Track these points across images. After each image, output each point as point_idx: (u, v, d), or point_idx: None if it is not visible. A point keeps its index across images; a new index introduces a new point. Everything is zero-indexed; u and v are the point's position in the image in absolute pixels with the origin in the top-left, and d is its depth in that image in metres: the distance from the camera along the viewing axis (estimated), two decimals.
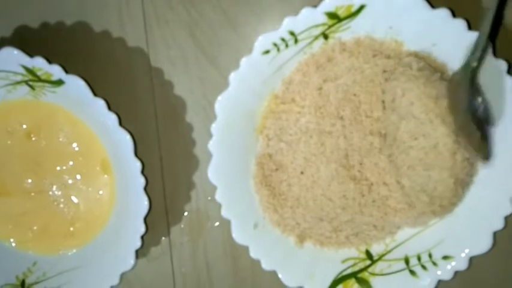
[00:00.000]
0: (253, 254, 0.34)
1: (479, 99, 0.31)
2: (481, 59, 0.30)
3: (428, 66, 0.31)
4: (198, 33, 0.36)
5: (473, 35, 0.30)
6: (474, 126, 0.30)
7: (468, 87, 0.30)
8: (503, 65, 0.31)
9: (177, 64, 0.36)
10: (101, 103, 0.32)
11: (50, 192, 0.37)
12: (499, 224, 0.32)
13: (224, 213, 0.34)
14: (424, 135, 0.30)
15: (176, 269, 0.38)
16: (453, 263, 0.33)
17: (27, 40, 0.36)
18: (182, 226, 0.38)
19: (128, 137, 0.32)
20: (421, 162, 0.31)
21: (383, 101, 0.33)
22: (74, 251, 0.37)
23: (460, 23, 0.30)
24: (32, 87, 0.34)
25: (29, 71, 0.32)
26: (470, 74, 0.30)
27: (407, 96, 0.30)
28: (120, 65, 0.37)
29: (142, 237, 0.34)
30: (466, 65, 0.30)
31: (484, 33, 0.29)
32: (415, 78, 0.30)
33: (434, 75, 0.31)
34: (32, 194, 0.37)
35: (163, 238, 0.38)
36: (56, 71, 0.31)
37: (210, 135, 0.33)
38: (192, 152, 0.37)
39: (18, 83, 0.34)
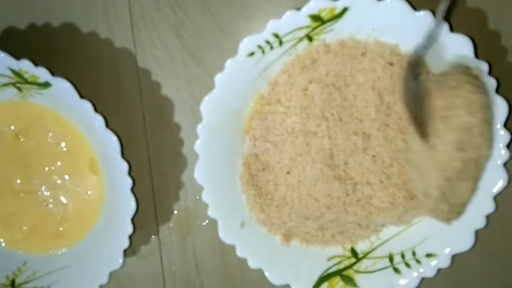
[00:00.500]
0: (239, 252, 0.35)
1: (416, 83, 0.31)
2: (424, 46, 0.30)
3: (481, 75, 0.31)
4: (184, 34, 0.36)
5: (455, 37, 0.31)
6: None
7: (409, 71, 0.31)
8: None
9: (164, 65, 0.37)
10: (87, 105, 0.32)
11: (39, 193, 0.37)
12: (480, 223, 0.33)
13: (211, 213, 0.34)
14: (473, 148, 0.30)
15: (166, 267, 0.39)
16: (436, 261, 0.34)
17: (14, 42, 0.37)
18: (171, 225, 0.38)
19: (115, 138, 0.32)
20: (458, 174, 0.30)
21: (381, 100, 0.33)
22: (64, 250, 0.37)
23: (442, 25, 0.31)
24: (19, 89, 0.34)
25: (16, 73, 0.33)
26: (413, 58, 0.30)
27: (471, 107, 0.29)
28: (108, 66, 0.37)
29: (130, 237, 0.34)
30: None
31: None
32: (480, 88, 0.29)
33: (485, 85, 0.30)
34: (21, 194, 0.37)
35: (152, 237, 0.38)
36: (42, 74, 0.32)
37: (198, 136, 0.33)
38: (180, 152, 0.37)
39: (6, 85, 0.34)
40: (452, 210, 0.32)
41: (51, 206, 0.37)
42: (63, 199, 0.37)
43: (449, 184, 0.31)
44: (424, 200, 0.32)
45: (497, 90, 0.32)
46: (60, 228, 0.37)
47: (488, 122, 0.30)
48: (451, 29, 0.31)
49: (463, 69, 0.31)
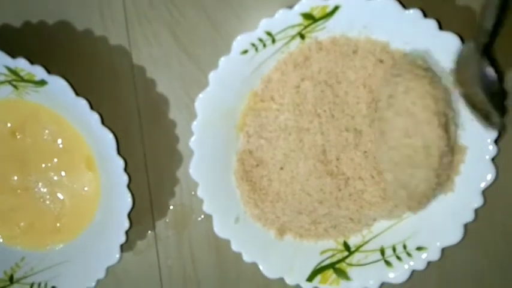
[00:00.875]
0: (234, 247, 0.35)
1: (490, 70, 0.31)
2: (490, 33, 0.29)
3: (431, 68, 0.32)
4: (179, 32, 0.37)
5: (444, 34, 0.31)
6: (485, 97, 0.30)
7: (479, 59, 0.30)
8: None
9: (159, 62, 0.37)
10: (83, 103, 0.32)
11: (36, 189, 0.38)
12: (469, 217, 0.34)
13: (206, 208, 0.35)
14: (419, 135, 0.31)
15: (162, 261, 0.39)
16: (426, 254, 0.35)
17: (9, 40, 0.37)
18: (167, 220, 0.39)
19: (111, 136, 0.33)
20: (409, 160, 0.31)
21: (372, 97, 0.34)
22: (61, 246, 0.38)
23: (431, 23, 0.31)
24: (15, 86, 0.35)
25: (12, 71, 0.33)
26: (481, 46, 0.30)
27: (411, 94, 0.30)
28: (103, 64, 0.37)
29: (127, 232, 0.35)
30: (477, 37, 0.30)
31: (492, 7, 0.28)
32: (421, 77, 0.30)
33: (436, 76, 0.31)
34: (18, 191, 0.38)
35: (149, 232, 0.39)
36: (38, 72, 0.32)
37: (193, 132, 0.34)
38: (175, 148, 0.38)
39: (2, 82, 0.34)
40: (412, 198, 0.33)
41: (48, 202, 0.38)
42: (60, 195, 0.38)
43: (400, 169, 0.32)
44: (386, 187, 0.34)
45: None
46: (58, 224, 0.38)
47: (436, 111, 0.30)
48: (440, 27, 0.31)
49: (409, 59, 0.32)
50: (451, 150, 0.32)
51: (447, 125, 0.31)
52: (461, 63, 0.31)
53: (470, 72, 0.30)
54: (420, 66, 0.31)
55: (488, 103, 0.30)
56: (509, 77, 0.35)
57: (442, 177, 0.33)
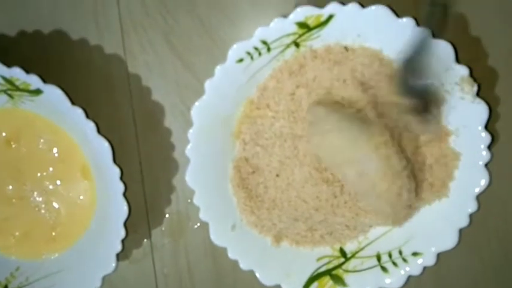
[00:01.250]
0: (231, 254, 0.35)
1: (419, 80, 0.32)
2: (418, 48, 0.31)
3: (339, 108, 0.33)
4: (174, 40, 0.37)
5: (437, 43, 0.32)
6: (421, 104, 0.31)
7: (405, 71, 0.31)
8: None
9: (154, 70, 0.37)
10: (78, 112, 0.32)
11: (31, 198, 0.37)
12: (464, 222, 0.34)
13: (202, 216, 0.35)
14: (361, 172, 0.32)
15: (158, 270, 0.39)
16: (422, 259, 0.35)
17: (4, 49, 0.37)
18: (163, 228, 0.39)
19: (107, 144, 0.33)
20: (367, 192, 0.33)
21: None
22: (56, 255, 0.38)
23: (424, 32, 0.32)
24: (10, 96, 0.35)
25: (7, 80, 0.33)
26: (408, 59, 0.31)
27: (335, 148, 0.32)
28: (98, 72, 0.37)
29: (122, 240, 0.34)
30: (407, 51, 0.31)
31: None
32: (328, 132, 0.32)
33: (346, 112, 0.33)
34: (13, 200, 0.37)
35: (145, 240, 0.39)
36: (33, 81, 0.32)
37: (189, 140, 0.34)
38: (171, 156, 0.38)
39: None
40: (397, 213, 0.33)
41: (43, 211, 0.38)
42: (55, 204, 0.37)
43: (368, 198, 0.33)
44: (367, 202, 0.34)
45: (478, 94, 0.33)
46: (53, 233, 0.37)
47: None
48: (433, 35, 0.32)
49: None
50: (408, 159, 0.33)
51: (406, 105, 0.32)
52: (399, 77, 0.32)
53: (404, 84, 0.32)
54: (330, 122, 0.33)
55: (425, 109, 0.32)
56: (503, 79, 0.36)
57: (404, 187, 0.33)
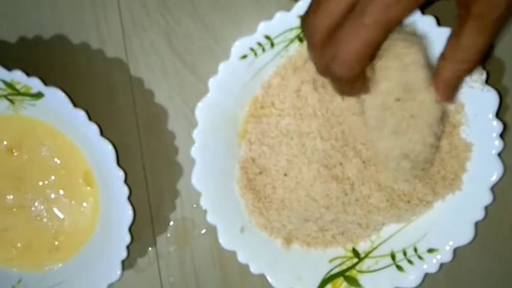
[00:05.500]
0: (241, 258, 0.34)
1: None
2: None
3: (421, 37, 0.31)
4: (176, 41, 0.37)
5: (443, 31, 0.31)
6: None
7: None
8: None
9: (156, 73, 0.37)
10: (81, 114, 0.32)
11: (33, 208, 0.36)
12: (479, 215, 0.33)
13: (210, 218, 0.34)
14: (412, 95, 0.29)
15: (164, 278, 0.38)
16: (438, 256, 0.34)
17: (5, 55, 0.36)
18: (168, 235, 0.38)
19: (110, 147, 0.32)
20: (405, 123, 0.30)
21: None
22: (60, 265, 0.36)
23: (429, 20, 0.31)
24: (11, 101, 0.34)
25: (8, 84, 0.32)
26: None
27: (402, 59, 0.29)
28: (100, 76, 0.37)
29: (128, 247, 0.33)
30: None
31: None
32: (413, 44, 0.29)
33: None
34: (14, 209, 0.36)
35: (149, 248, 0.38)
36: (35, 84, 0.31)
37: (193, 142, 0.33)
38: (175, 160, 0.37)
39: None
40: (415, 167, 0.31)
41: (45, 220, 0.36)
42: (57, 212, 0.36)
43: (399, 137, 0.30)
44: (385, 161, 0.32)
45: (487, 82, 0.32)
46: (56, 243, 0.36)
47: (426, 72, 0.29)
48: (438, 23, 0.31)
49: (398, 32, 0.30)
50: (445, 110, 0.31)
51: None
52: None
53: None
54: (411, 34, 0.30)
55: None
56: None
57: (438, 136, 0.31)
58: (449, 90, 0.28)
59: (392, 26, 0.24)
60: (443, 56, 0.28)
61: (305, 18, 0.26)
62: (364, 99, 0.31)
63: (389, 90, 0.29)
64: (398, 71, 0.29)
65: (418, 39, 0.30)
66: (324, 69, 0.27)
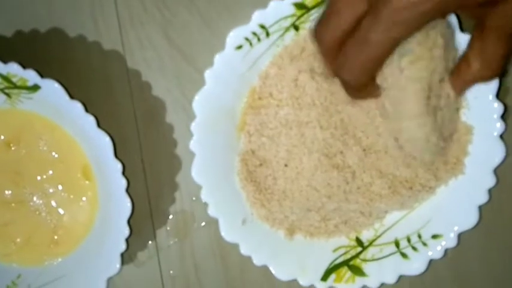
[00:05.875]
0: (243, 250, 0.34)
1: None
2: None
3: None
4: (172, 33, 0.37)
5: (466, 37, 0.30)
6: None
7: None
8: None
9: (153, 65, 0.37)
10: (78, 106, 0.32)
11: (31, 202, 0.36)
12: (483, 198, 0.33)
13: (211, 212, 0.34)
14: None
15: (164, 272, 0.37)
16: (443, 242, 0.33)
17: (1, 49, 0.36)
18: (168, 228, 0.37)
19: (107, 138, 0.32)
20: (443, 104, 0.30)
21: None
22: (59, 260, 0.36)
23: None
24: (8, 95, 0.34)
25: (4, 77, 0.32)
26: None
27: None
28: (97, 69, 0.37)
29: (127, 241, 0.33)
30: None
31: None
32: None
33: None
34: (13, 204, 0.36)
35: (149, 242, 0.37)
36: (31, 76, 0.31)
37: (191, 135, 0.33)
38: (174, 153, 0.37)
39: None
40: (440, 138, 0.31)
41: (44, 214, 0.36)
42: (56, 207, 0.36)
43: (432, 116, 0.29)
44: (407, 142, 0.31)
45: None
46: (55, 237, 0.36)
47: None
48: (461, 29, 0.31)
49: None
50: None
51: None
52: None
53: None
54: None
55: None
56: None
57: None
58: (464, 89, 0.30)
59: (396, 44, 0.25)
60: (466, 59, 0.28)
61: (316, 30, 0.27)
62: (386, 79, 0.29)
63: (434, 70, 0.29)
64: (443, 49, 0.28)
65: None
66: (334, 73, 0.28)
